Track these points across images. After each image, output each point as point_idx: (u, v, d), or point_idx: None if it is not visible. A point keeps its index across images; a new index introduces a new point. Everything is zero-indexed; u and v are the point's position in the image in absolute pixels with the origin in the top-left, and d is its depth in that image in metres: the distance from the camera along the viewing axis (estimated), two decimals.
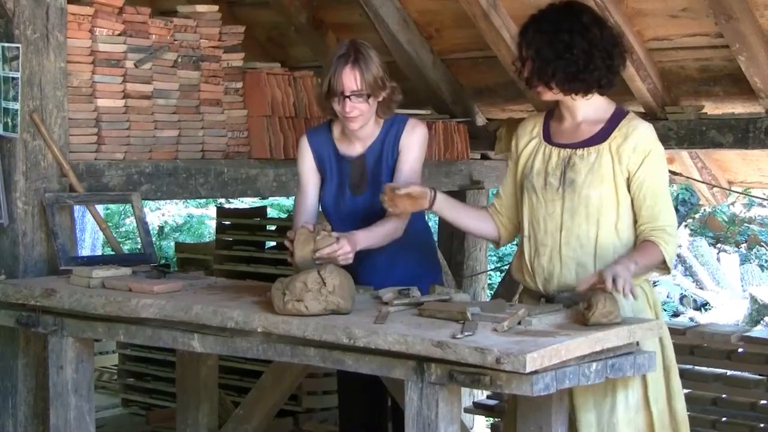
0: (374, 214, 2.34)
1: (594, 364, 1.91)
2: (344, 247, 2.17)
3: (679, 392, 2.21)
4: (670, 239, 2.15)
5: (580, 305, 2.00)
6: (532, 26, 2.19)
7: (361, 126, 2.35)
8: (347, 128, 2.37)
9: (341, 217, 2.41)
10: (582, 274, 2.14)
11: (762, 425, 3.20)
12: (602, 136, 2.18)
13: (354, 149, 2.41)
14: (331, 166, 2.42)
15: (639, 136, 2.15)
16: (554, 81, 2.15)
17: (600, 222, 2.15)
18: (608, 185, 2.15)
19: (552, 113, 2.28)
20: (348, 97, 2.29)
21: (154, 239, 6.37)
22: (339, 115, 2.35)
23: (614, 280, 1.98)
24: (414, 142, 2.36)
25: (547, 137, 2.25)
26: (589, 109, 2.20)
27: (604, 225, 2.15)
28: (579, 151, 2.18)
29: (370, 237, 2.27)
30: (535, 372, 1.78)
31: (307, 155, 2.45)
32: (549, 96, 2.20)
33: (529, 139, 2.28)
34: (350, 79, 2.27)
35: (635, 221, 2.18)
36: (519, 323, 1.97)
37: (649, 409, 2.15)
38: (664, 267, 2.17)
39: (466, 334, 1.88)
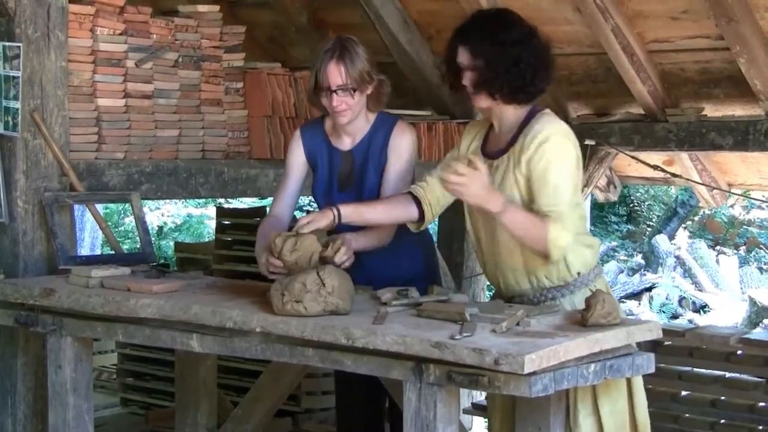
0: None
1: (592, 365, 1.91)
2: (349, 251, 2.19)
3: (639, 393, 2.19)
4: (558, 223, 2.08)
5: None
6: (477, 34, 2.17)
7: (349, 120, 2.37)
8: (336, 122, 2.39)
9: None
10: (520, 279, 2.19)
11: (761, 427, 3.20)
12: (511, 142, 2.19)
13: (343, 144, 2.44)
14: (323, 160, 2.45)
15: (536, 131, 2.14)
16: (500, 93, 2.16)
17: None
18: (514, 192, 2.15)
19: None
20: (334, 91, 2.31)
21: (153, 239, 6.37)
22: (328, 110, 2.37)
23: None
24: (403, 146, 2.38)
25: (484, 145, 2.26)
26: (513, 116, 2.22)
27: None
28: (495, 162, 2.19)
29: (360, 240, 2.29)
30: (534, 373, 1.78)
31: (298, 148, 2.48)
32: (486, 104, 2.21)
33: (469, 144, 2.29)
34: (335, 73, 2.30)
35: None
36: (517, 324, 1.97)
37: (599, 413, 2.14)
38: (545, 250, 2.08)
39: (464, 334, 1.88)
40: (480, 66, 2.16)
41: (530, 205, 2.14)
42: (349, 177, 2.42)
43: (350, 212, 2.24)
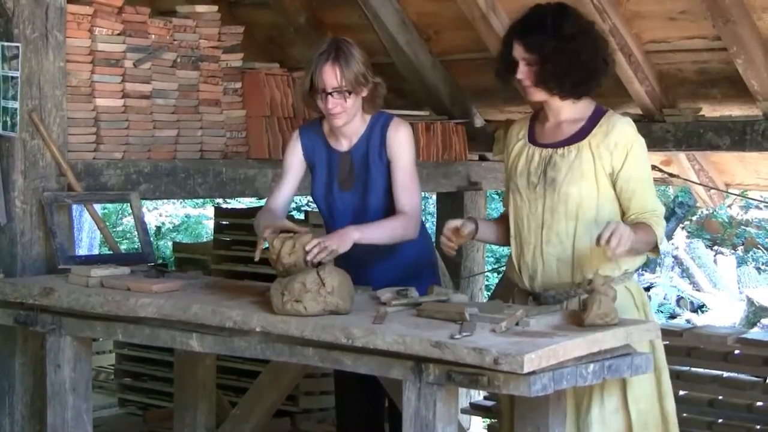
0: (362, 209, 2.37)
1: (591, 365, 1.92)
2: (329, 239, 2.17)
3: (669, 393, 2.22)
4: (660, 222, 2.19)
5: (569, 303, 2.01)
6: (536, 28, 2.16)
7: (345, 122, 2.37)
8: (331, 125, 2.40)
9: (330, 210, 2.44)
10: (563, 271, 2.18)
11: (758, 427, 3.21)
12: (582, 134, 2.20)
13: (341, 145, 2.44)
14: (321, 160, 2.45)
15: (619, 132, 2.18)
16: (561, 87, 2.17)
17: (579, 218, 2.18)
18: (589, 181, 2.18)
19: (537, 114, 2.31)
20: (330, 93, 2.31)
21: (151, 239, 6.35)
22: (323, 112, 2.37)
23: (611, 236, 2.01)
24: (402, 144, 2.39)
25: (532, 138, 2.27)
26: (573, 109, 2.23)
27: (583, 221, 2.18)
28: (560, 150, 2.20)
29: (369, 229, 2.27)
30: (533, 373, 1.78)
31: (296, 147, 2.47)
32: (543, 98, 2.21)
33: (516, 142, 2.30)
34: (331, 76, 2.29)
35: (622, 213, 2.21)
36: (517, 324, 1.97)
37: (628, 410, 2.15)
38: (655, 249, 2.19)
39: (464, 334, 1.88)
40: (539, 60, 2.14)
41: (608, 197, 2.18)
42: (349, 177, 2.42)
43: (484, 227, 2.31)
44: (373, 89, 2.37)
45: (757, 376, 3.26)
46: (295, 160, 2.46)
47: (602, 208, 2.19)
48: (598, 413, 2.15)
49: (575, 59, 2.13)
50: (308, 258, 2.12)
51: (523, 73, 2.18)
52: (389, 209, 2.38)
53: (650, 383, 2.17)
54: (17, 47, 2.75)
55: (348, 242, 2.20)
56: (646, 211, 2.18)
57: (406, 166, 2.38)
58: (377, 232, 2.28)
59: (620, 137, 2.18)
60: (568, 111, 2.23)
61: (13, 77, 2.76)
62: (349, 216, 2.39)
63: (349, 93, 2.31)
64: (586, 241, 2.16)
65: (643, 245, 2.15)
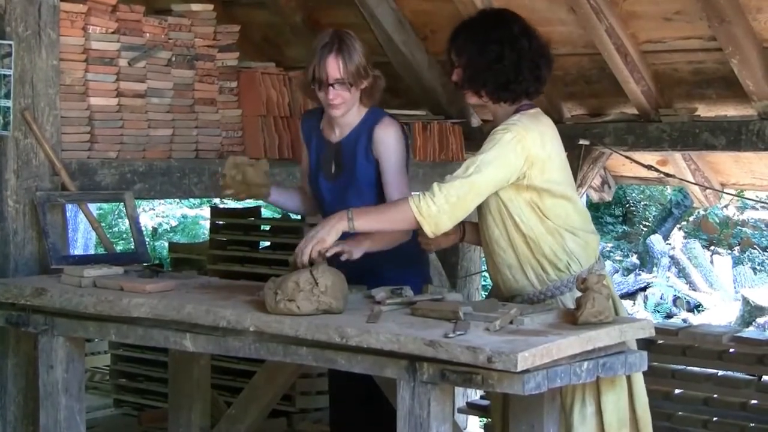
0: (346, 200, 2.41)
1: (585, 363, 1.92)
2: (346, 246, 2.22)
3: (641, 394, 2.20)
4: (429, 195, 2.10)
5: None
6: (462, 33, 2.23)
7: (343, 113, 2.42)
8: (329, 115, 2.44)
9: (318, 197, 2.51)
10: (517, 275, 2.20)
11: (752, 425, 3.21)
12: None
13: (332, 136, 2.49)
14: (312, 147, 2.53)
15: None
16: (484, 90, 2.21)
17: (506, 223, 2.20)
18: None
19: None
20: (331, 85, 2.35)
21: (147, 239, 6.32)
22: (323, 103, 2.41)
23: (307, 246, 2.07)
24: (388, 144, 2.41)
25: None
26: (503, 114, 2.24)
27: (510, 224, 2.20)
28: None
29: (365, 243, 2.30)
30: (527, 371, 1.78)
31: (301, 130, 2.60)
32: (473, 101, 2.26)
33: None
34: (333, 67, 2.34)
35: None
36: (511, 322, 1.97)
37: (601, 415, 2.15)
38: (418, 227, 2.13)
39: (458, 333, 1.88)
40: (463, 63, 2.20)
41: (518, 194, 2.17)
42: (336, 167, 2.46)
43: (472, 230, 2.33)
44: (372, 82, 2.41)
45: (751, 375, 3.27)
46: (305, 144, 2.57)
47: (523, 210, 2.17)
48: (578, 415, 2.14)
49: (494, 63, 2.16)
50: (298, 261, 2.17)
51: (455, 74, 2.23)
52: (372, 203, 2.40)
53: (622, 385, 2.15)
54: (10, 45, 2.73)
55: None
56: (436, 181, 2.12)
57: (394, 165, 2.40)
58: (371, 244, 2.32)
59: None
60: (500, 117, 2.25)
61: (5, 75, 2.74)
62: (332, 201, 2.45)
63: (351, 85, 2.35)
64: (521, 242, 2.19)
65: (380, 223, 2.13)
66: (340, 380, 2.51)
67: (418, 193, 2.17)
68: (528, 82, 2.19)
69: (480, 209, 2.23)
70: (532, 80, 2.19)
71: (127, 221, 3.11)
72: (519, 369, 1.75)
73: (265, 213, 4.77)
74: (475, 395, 3.82)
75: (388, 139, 2.40)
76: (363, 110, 2.45)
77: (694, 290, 9.47)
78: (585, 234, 2.26)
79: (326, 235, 2.13)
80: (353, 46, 2.35)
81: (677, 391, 3.37)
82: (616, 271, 9.94)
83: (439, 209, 2.10)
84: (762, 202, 6.51)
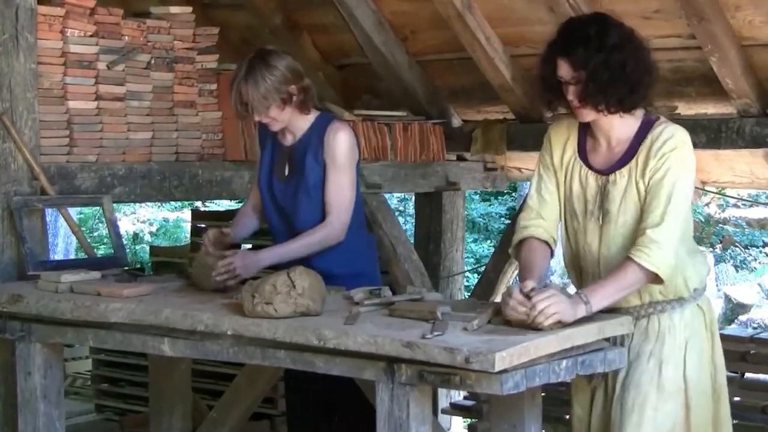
0: (297, 200, 2.47)
1: (564, 362, 1.91)
2: (237, 261, 2.32)
3: (727, 421, 2.17)
4: (654, 248, 1.97)
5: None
6: (580, 45, 2.00)
7: (280, 128, 2.49)
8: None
9: (271, 200, 2.53)
10: (630, 294, 2.06)
11: (735, 422, 3.20)
12: (630, 154, 2.06)
13: (285, 140, 2.54)
14: (267, 151, 2.56)
15: (662, 141, 2.03)
16: (608, 103, 2.01)
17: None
18: (636, 204, 2.04)
19: (584, 124, 2.12)
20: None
21: (128, 244, 6.25)
22: None
23: (543, 305, 1.89)
24: (337, 147, 2.44)
25: (583, 155, 2.12)
26: (622, 124, 2.07)
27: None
28: (611, 177, 2.07)
29: (283, 249, 2.41)
30: (505, 371, 1.78)
31: (257, 137, 2.62)
32: (592, 117, 2.05)
33: (563, 151, 2.14)
34: (245, 96, 2.39)
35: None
36: (489, 322, 1.97)
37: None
38: (655, 280, 1.99)
39: (435, 334, 1.88)
40: (584, 78, 2.00)
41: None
42: (289, 170, 2.50)
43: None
44: (299, 95, 2.43)
45: (734, 372, 3.28)
46: (259, 144, 2.59)
47: None
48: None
49: (619, 72, 1.98)
50: (217, 279, 2.28)
51: (572, 92, 2.02)
52: (320, 205, 2.45)
53: (708, 409, 2.11)
54: None
55: (253, 270, 2.35)
56: (647, 228, 1.98)
57: (337, 165, 2.44)
58: (290, 253, 2.40)
59: (663, 145, 2.02)
60: (618, 128, 2.07)
61: None
62: (284, 204, 2.50)
63: (267, 108, 2.39)
64: None
65: (617, 294, 1.99)
66: (296, 398, 2.55)
67: (639, 251, 1.97)
68: (647, 86, 2.04)
69: (599, 232, 2.05)
70: (651, 84, 2.06)
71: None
72: (497, 369, 1.75)
73: None
74: (458, 396, 3.82)
75: (335, 142, 2.44)
76: (313, 114, 2.49)
77: None
78: (701, 252, 2.16)
79: (569, 318, 1.93)
80: (261, 72, 2.36)
81: None
82: None
83: (667, 254, 1.97)
84: (743, 200, 6.56)
